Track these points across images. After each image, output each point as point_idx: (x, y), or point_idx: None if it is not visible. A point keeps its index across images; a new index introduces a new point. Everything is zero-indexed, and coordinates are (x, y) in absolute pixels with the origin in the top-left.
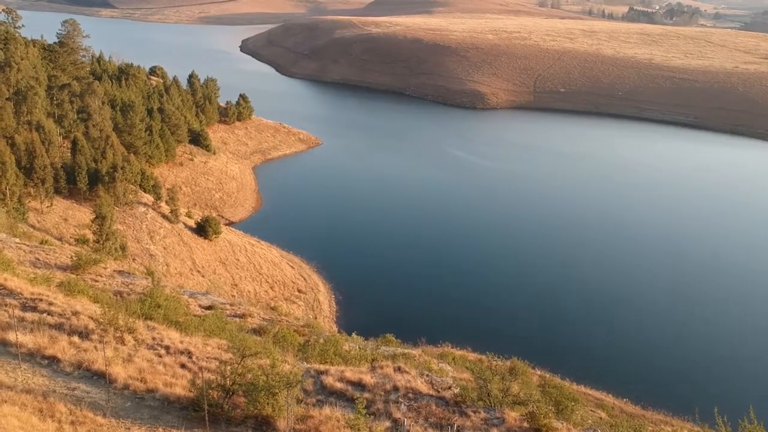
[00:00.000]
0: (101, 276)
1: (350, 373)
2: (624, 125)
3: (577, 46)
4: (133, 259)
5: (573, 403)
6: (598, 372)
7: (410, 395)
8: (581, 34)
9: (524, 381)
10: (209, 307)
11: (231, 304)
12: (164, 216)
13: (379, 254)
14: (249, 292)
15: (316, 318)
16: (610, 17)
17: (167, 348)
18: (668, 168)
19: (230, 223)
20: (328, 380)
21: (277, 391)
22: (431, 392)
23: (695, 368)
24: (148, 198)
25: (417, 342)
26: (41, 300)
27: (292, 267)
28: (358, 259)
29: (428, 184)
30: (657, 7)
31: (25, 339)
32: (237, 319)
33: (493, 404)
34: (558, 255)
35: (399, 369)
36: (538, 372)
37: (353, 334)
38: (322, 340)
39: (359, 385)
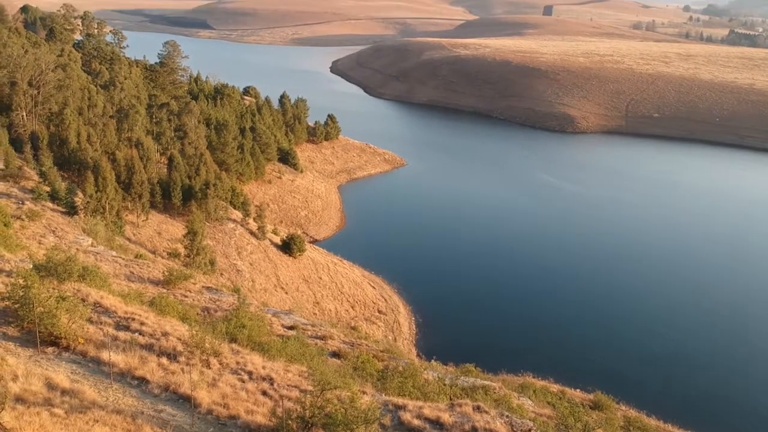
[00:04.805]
0: (190, 291)
1: (428, 410)
2: (722, 153)
3: (673, 70)
4: (221, 274)
5: None
6: (686, 408)
7: None
8: (677, 58)
9: (607, 418)
10: (291, 327)
11: (312, 325)
12: (252, 232)
13: (460, 277)
14: (330, 310)
15: (395, 340)
16: (709, 40)
17: (250, 373)
18: None
19: (314, 241)
20: (406, 416)
21: (355, 426)
22: None
23: None
24: (237, 214)
25: (497, 371)
26: (134, 319)
27: (374, 287)
28: (440, 282)
29: (513, 207)
30: (760, 30)
31: (117, 358)
32: (318, 341)
33: None
34: (648, 285)
35: (478, 408)
36: (623, 407)
37: (432, 361)
38: (401, 368)
39: (437, 424)
